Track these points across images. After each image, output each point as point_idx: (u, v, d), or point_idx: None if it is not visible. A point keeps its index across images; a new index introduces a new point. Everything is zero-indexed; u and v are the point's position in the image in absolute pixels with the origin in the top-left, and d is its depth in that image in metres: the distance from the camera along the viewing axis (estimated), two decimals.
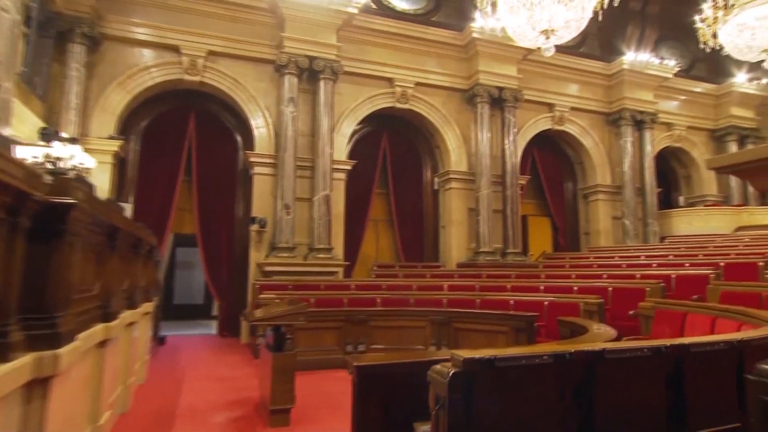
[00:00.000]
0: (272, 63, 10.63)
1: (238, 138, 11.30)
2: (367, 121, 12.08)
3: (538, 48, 12.45)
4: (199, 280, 12.87)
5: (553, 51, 6.84)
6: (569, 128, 13.60)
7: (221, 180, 11.01)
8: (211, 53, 10.30)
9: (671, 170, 15.85)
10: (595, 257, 11.88)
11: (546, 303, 7.53)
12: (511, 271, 10.81)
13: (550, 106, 13.36)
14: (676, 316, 5.59)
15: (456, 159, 12.38)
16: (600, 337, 4.03)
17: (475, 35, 11.78)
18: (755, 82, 15.07)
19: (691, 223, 13.41)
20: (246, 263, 10.36)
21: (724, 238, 12.05)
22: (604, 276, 9.19)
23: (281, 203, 10.14)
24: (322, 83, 10.72)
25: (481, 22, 11.68)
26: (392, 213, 12.73)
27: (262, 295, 8.39)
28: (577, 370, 2.00)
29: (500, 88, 12.21)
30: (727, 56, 15.00)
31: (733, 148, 15.10)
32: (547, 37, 6.54)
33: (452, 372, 1.78)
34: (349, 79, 11.44)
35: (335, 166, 10.94)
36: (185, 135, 10.67)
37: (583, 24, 6.65)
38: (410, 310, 7.88)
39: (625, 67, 13.28)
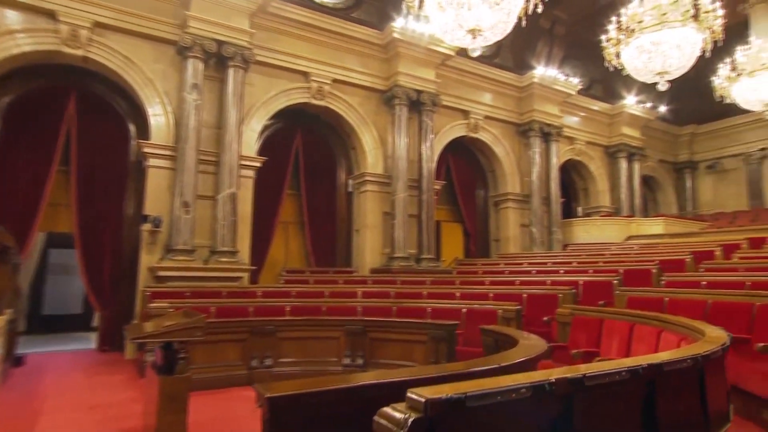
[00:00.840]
0: (174, 44, 9.50)
1: (131, 126, 9.95)
2: (279, 116, 11.30)
3: (457, 53, 12.61)
4: (78, 287, 11.16)
5: (479, 52, 6.69)
6: (483, 136, 13.85)
7: (108, 172, 9.59)
8: (99, 25, 8.94)
9: (572, 182, 16.83)
10: (506, 263, 12.10)
11: (464, 310, 7.34)
12: (426, 277, 10.62)
13: (466, 113, 13.50)
14: (594, 322, 5.57)
15: (372, 161, 12.00)
16: (534, 349, 3.75)
17: (395, 35, 11.53)
18: (641, 105, 16.50)
19: (589, 231, 14.25)
20: (135, 267, 9.08)
21: (617, 246, 12.88)
22: (517, 282, 9.27)
23: (180, 200, 9.03)
24: (231, 71, 9.79)
25: (402, 23, 11.47)
26: (304, 215, 12.03)
27: (152, 304, 7.30)
28: (555, 402, 1.58)
29: (419, 92, 12.06)
30: (619, 79, 16.29)
31: (623, 164, 16.39)
32: (474, 37, 6.36)
33: (412, 419, 1.27)
34: (262, 69, 10.61)
35: (243, 163, 10.05)
36: (63, 118, 9.15)
37: (508, 28, 6.57)
38: (323, 320, 7.27)
39: (535, 80, 13.82)
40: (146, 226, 8.92)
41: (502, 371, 2.95)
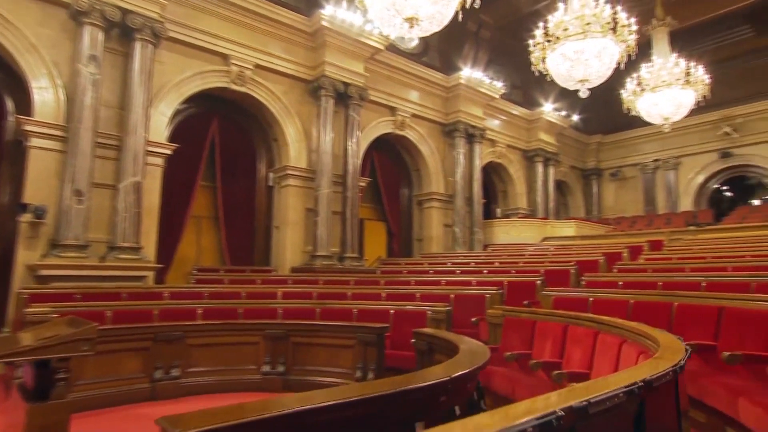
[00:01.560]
0: (67, 7, 8.25)
1: (8, 100, 8.52)
2: (194, 100, 10.33)
3: (386, 48, 12.34)
4: None
5: (416, 42, 6.41)
6: (409, 134, 13.72)
7: None
8: None
9: (492, 184, 17.28)
10: (429, 263, 12.03)
11: (392, 312, 7.01)
12: (350, 276, 10.21)
13: (393, 110, 13.28)
14: (527, 324, 5.48)
15: (295, 154, 11.37)
16: (479, 356, 3.48)
17: (324, 23, 11.00)
18: (557, 113, 17.34)
19: (508, 232, 14.66)
20: (10, 265, 7.74)
21: (535, 247, 13.34)
22: (443, 282, 9.15)
23: (71, 188, 7.85)
24: (138, 45, 8.72)
25: (331, 11, 10.96)
26: (219, 209, 11.12)
27: (31, 309, 6.18)
28: None
29: (346, 84, 11.62)
30: (537, 87, 17.00)
31: (540, 168, 17.11)
32: (411, 26, 6.07)
33: None
34: (175, 47, 9.61)
35: (151, 149, 9.00)
36: None
37: (445, 20, 6.36)
38: (240, 324, 6.59)
39: (462, 81, 13.94)
40: (25, 217, 7.62)
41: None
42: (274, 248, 11.44)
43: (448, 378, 2.77)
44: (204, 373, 5.93)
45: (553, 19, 9.16)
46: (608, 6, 8.78)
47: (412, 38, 6.28)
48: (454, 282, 9.05)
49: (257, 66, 10.71)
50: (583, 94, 9.36)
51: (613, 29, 9.00)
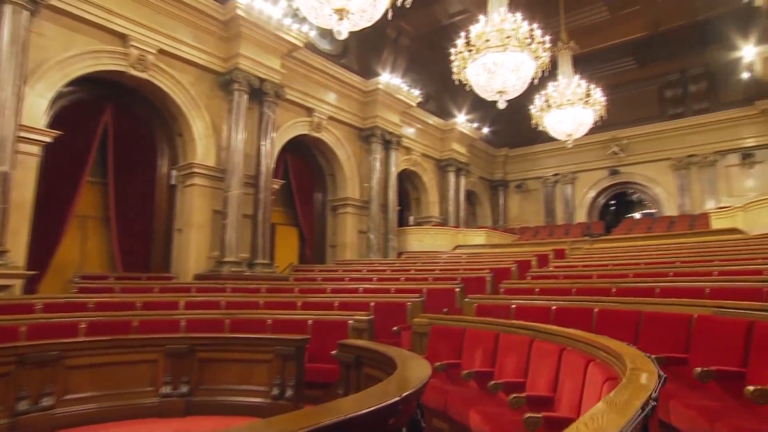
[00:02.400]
0: None
1: None
2: (84, 83, 9.06)
3: (305, 46, 11.84)
4: None
5: (345, 35, 6.03)
6: (326, 137, 13.29)
7: None
8: None
9: (405, 191, 17.35)
10: (344, 270, 11.66)
11: (310, 322, 6.53)
12: (261, 284, 9.50)
13: (310, 111, 12.78)
14: (455, 332, 5.31)
15: (203, 151, 10.43)
16: (421, 369, 3.18)
17: (239, 12, 10.25)
18: (469, 124, 17.91)
19: (422, 240, 14.74)
20: None
21: (448, 254, 13.52)
22: (361, 290, 8.82)
23: None
24: (8, 10, 7.41)
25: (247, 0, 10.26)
26: (111, 208, 9.83)
27: None
28: None
29: (262, 80, 10.93)
30: (451, 98, 17.45)
31: (452, 177, 17.52)
32: (341, 18, 5.71)
33: None
34: (60, 19, 8.35)
35: (24, 135, 7.69)
36: None
37: (375, 16, 6.09)
38: (134, 339, 5.70)
39: (380, 87, 13.82)
40: None
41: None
42: (176, 253, 10.36)
43: (399, 398, 2.43)
44: (87, 400, 4.99)
45: (475, 29, 9.31)
46: (526, 23, 9.10)
47: (340, 31, 5.91)
48: (372, 290, 8.75)
49: (161, 51, 9.68)
50: (501, 105, 9.61)
51: (530, 44, 9.35)
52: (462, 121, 17.35)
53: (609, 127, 16.13)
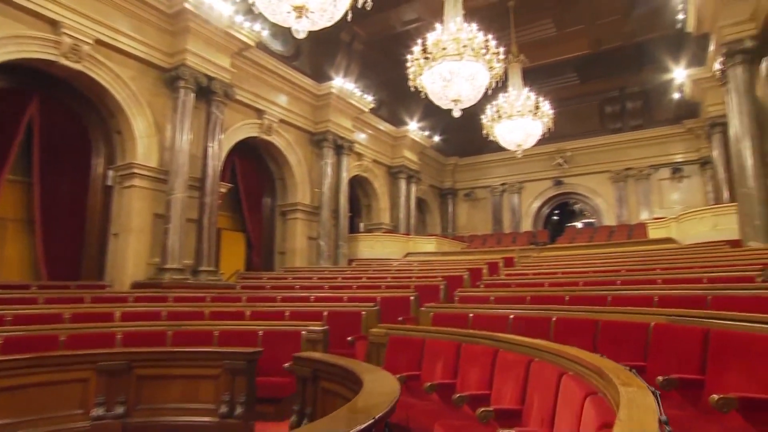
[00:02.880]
0: None
1: None
2: (6, 71, 8.24)
3: (257, 45, 11.44)
4: None
5: (304, 34, 5.78)
6: (276, 140, 12.88)
7: None
8: None
9: (356, 197, 17.17)
10: (294, 278, 11.30)
11: (260, 333, 6.18)
12: (206, 293, 8.97)
13: (260, 113, 12.35)
14: (414, 343, 5.16)
15: (144, 151, 9.78)
16: (390, 385, 3.00)
17: (187, 6, 9.74)
18: (421, 132, 18.02)
19: (373, 247, 14.58)
20: None
21: (399, 262, 13.44)
22: (312, 299, 8.53)
23: None
24: None
25: None
26: (35, 210, 8.99)
27: None
28: None
29: (210, 78, 10.44)
30: (402, 105, 17.51)
31: (403, 184, 17.53)
32: (300, 16, 5.47)
33: None
34: None
35: None
36: None
37: (336, 16, 5.89)
38: (61, 356, 5.13)
39: (333, 91, 13.59)
40: None
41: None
42: (111, 259, 9.62)
43: (372, 420, 2.24)
44: (2, 429, 4.42)
45: (432, 37, 9.32)
46: (481, 33, 9.22)
47: (299, 30, 5.66)
48: (324, 298, 8.47)
49: (98, 42, 9.00)
50: (456, 113, 9.67)
51: (485, 55, 9.48)
52: (414, 128, 17.43)
53: (554, 139, 16.74)
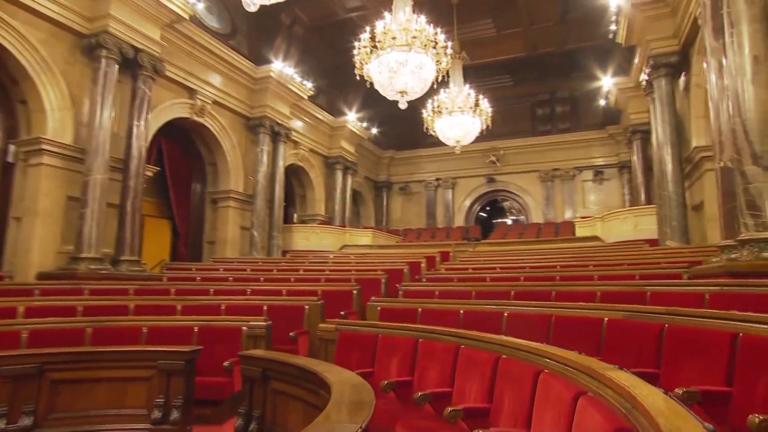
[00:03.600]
0: None
1: None
2: None
3: (191, 19, 10.59)
4: None
5: (256, 8, 5.33)
6: (209, 123, 12.07)
7: None
8: None
9: (290, 187, 16.60)
10: (226, 269, 10.67)
11: (196, 329, 5.70)
12: (130, 285, 8.19)
13: (192, 93, 11.48)
14: (367, 339, 4.97)
15: (56, 125, 8.72)
16: (365, 391, 2.78)
17: None
18: (358, 123, 17.77)
19: (308, 239, 14.16)
20: None
21: (336, 254, 13.17)
22: (248, 292, 8.06)
23: None
24: None
25: None
26: None
27: None
28: None
29: (137, 50, 9.50)
30: (341, 95, 17.17)
31: (339, 176, 17.20)
32: None
33: None
34: None
35: None
36: None
37: None
38: None
39: (272, 75, 12.96)
40: None
41: None
42: (11, 247, 8.50)
43: (360, 430, 2.02)
44: None
45: (381, 25, 9.09)
46: (430, 26, 9.13)
47: (249, 4, 5.21)
48: (262, 291, 8.03)
49: None
50: (402, 105, 9.53)
51: (434, 47, 9.41)
52: (352, 119, 17.14)
53: (488, 137, 17.18)
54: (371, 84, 9.71)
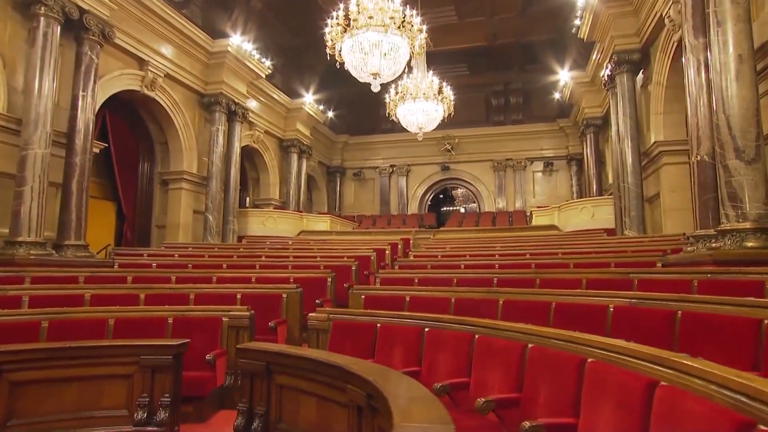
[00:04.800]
0: None
1: None
2: None
3: None
4: None
5: None
6: (161, 97, 11.17)
7: None
8: None
9: (243, 170, 15.84)
10: (181, 255, 10.01)
11: (169, 320, 5.24)
12: (77, 272, 7.43)
13: (143, 64, 10.55)
14: (365, 329, 4.77)
15: None
16: (431, 410, 2.59)
17: None
18: (315, 106, 17.24)
19: (264, 224, 13.60)
20: None
21: (295, 240, 12.74)
22: (214, 279, 7.59)
23: None
24: None
25: None
26: None
27: None
28: None
29: (82, 10, 8.54)
30: (296, 75, 16.56)
31: (294, 159, 16.65)
32: None
33: None
34: None
35: None
36: None
37: None
38: None
39: (230, 50, 12.18)
40: None
41: None
42: None
43: None
44: None
45: (353, 2, 8.73)
46: (407, 8, 8.90)
47: None
48: (229, 279, 7.58)
49: None
50: (375, 88, 9.26)
51: (409, 30, 9.19)
52: (309, 101, 16.58)
53: (443, 126, 17.28)
54: (341, 64, 9.37)
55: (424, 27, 9.25)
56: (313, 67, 16.38)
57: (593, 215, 11.15)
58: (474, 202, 20.99)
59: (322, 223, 14.87)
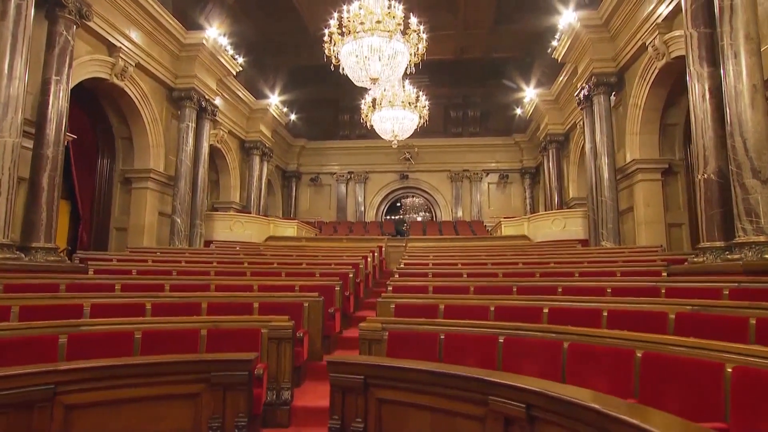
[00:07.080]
0: None
1: None
2: None
3: None
4: None
5: None
6: (130, 88, 10.25)
7: None
8: None
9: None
10: (155, 261, 9.23)
11: (203, 332, 4.78)
12: (53, 279, 6.59)
13: (113, 50, 9.64)
14: (428, 338, 4.67)
15: None
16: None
17: None
18: (279, 108, 16.68)
19: (231, 228, 12.88)
20: None
21: (266, 246, 12.20)
22: (212, 287, 7.08)
23: None
24: None
25: None
26: None
27: None
28: None
29: None
30: (262, 75, 15.96)
31: (256, 161, 15.99)
32: None
33: None
34: None
35: None
36: None
37: None
38: None
39: (205, 43, 11.46)
40: None
41: None
42: None
43: None
44: None
45: (354, 9, 8.64)
46: (412, 15, 8.94)
47: None
48: (229, 287, 7.10)
49: None
50: (372, 93, 9.18)
51: (410, 36, 9.26)
52: (275, 102, 16.03)
53: None
54: (335, 67, 9.21)
55: (425, 36, 9.33)
56: (278, 67, 15.90)
57: (564, 226, 11.76)
58: (424, 212, 21.29)
59: (290, 229, 14.36)
